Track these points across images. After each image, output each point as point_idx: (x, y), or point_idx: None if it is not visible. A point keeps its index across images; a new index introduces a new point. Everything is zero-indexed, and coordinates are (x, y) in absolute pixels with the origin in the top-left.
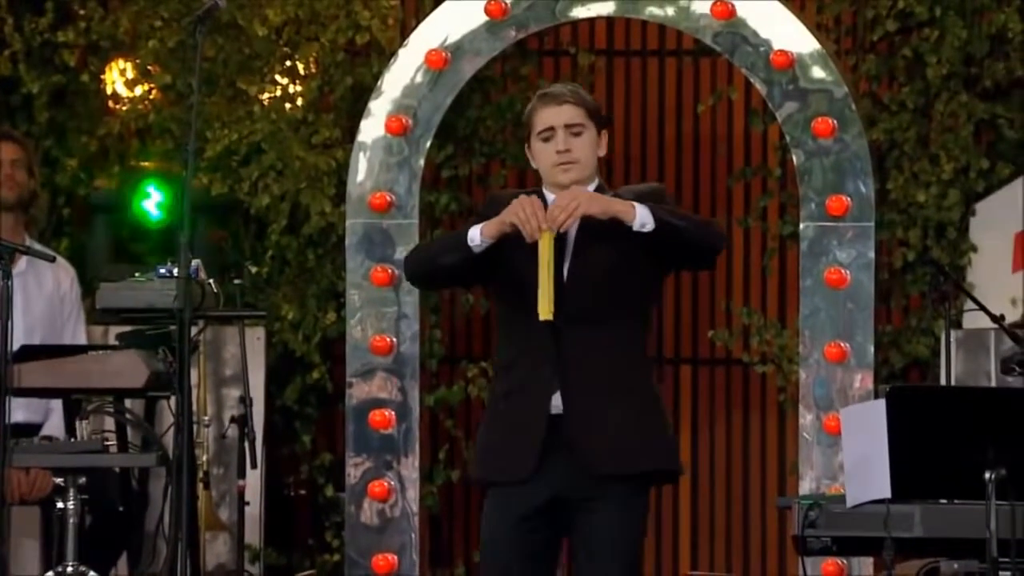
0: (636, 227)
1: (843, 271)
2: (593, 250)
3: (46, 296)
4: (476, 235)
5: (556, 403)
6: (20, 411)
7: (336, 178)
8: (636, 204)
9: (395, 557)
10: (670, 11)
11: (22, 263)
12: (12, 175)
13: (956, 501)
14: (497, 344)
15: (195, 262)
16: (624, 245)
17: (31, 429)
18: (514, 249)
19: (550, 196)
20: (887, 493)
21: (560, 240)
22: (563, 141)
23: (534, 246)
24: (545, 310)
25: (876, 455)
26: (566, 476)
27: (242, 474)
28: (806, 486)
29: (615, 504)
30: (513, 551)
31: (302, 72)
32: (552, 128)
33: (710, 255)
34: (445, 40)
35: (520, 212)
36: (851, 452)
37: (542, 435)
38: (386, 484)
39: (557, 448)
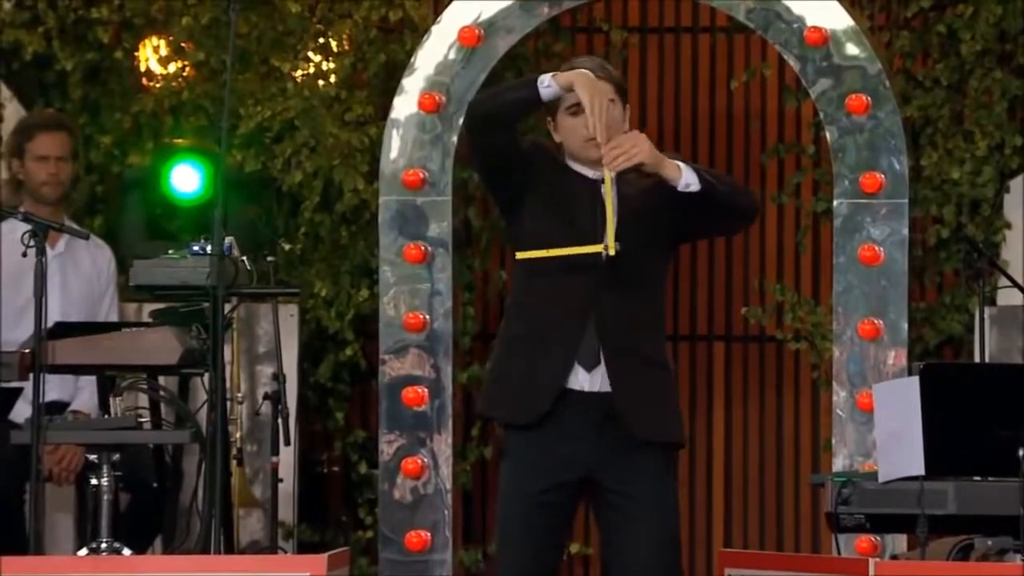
0: (681, 187)
1: (877, 248)
2: (635, 228)
3: (84, 277)
4: (547, 78)
5: (586, 375)
6: (53, 391)
7: (369, 155)
8: (681, 164)
9: (428, 534)
10: None
11: (61, 245)
12: (57, 173)
13: (990, 478)
14: (513, 287)
15: (228, 239)
16: (653, 218)
17: (61, 408)
18: (576, 197)
19: (574, 167)
20: (920, 470)
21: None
22: None
23: (593, 197)
24: (611, 246)
25: (909, 432)
26: (598, 453)
27: (275, 451)
28: (839, 463)
29: (651, 474)
30: (533, 520)
31: (335, 49)
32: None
33: (744, 220)
34: (478, 17)
35: (597, 106)
36: (883, 428)
37: (560, 383)
38: (419, 461)
39: (588, 424)
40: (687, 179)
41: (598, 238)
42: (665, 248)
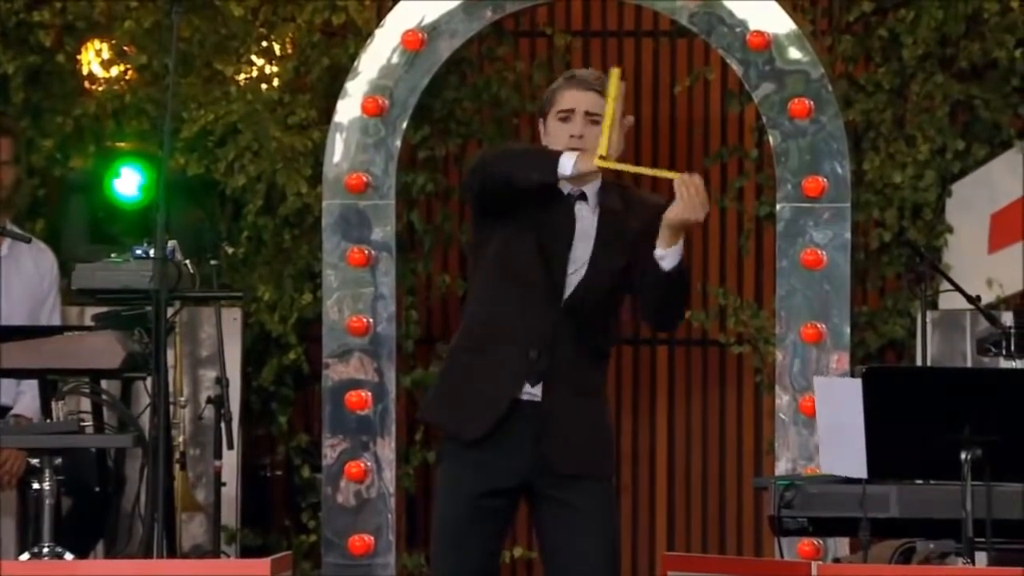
0: (658, 255)
1: (819, 252)
2: (610, 254)
3: (26, 281)
4: (569, 165)
5: (530, 389)
6: None
7: (312, 159)
8: (679, 246)
9: (371, 538)
10: None
11: (3, 248)
12: (0, 178)
13: (932, 481)
14: (472, 298)
15: (171, 243)
16: (621, 253)
17: (2, 412)
18: (549, 214)
19: None
20: (863, 473)
21: (583, 237)
22: (580, 126)
23: (566, 216)
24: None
25: (851, 432)
26: (537, 467)
27: (218, 455)
28: (782, 467)
29: (590, 480)
30: (469, 524)
31: (278, 53)
32: (572, 110)
33: (660, 325)
34: (421, 21)
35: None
36: (825, 422)
37: (508, 400)
38: (363, 465)
39: (527, 434)
40: (671, 257)
41: (563, 260)
42: (624, 284)
